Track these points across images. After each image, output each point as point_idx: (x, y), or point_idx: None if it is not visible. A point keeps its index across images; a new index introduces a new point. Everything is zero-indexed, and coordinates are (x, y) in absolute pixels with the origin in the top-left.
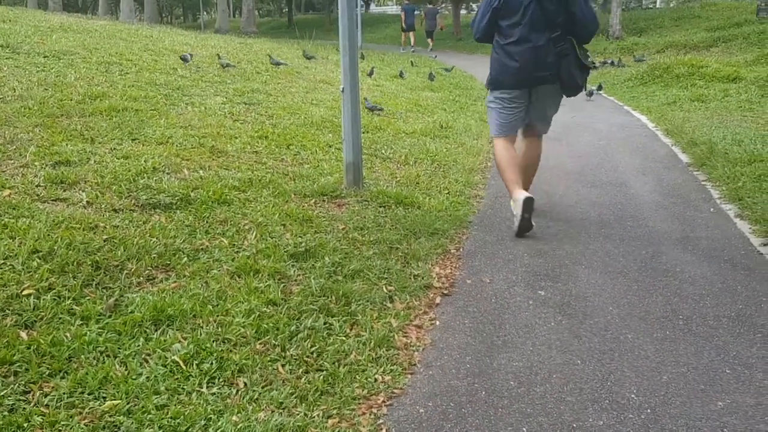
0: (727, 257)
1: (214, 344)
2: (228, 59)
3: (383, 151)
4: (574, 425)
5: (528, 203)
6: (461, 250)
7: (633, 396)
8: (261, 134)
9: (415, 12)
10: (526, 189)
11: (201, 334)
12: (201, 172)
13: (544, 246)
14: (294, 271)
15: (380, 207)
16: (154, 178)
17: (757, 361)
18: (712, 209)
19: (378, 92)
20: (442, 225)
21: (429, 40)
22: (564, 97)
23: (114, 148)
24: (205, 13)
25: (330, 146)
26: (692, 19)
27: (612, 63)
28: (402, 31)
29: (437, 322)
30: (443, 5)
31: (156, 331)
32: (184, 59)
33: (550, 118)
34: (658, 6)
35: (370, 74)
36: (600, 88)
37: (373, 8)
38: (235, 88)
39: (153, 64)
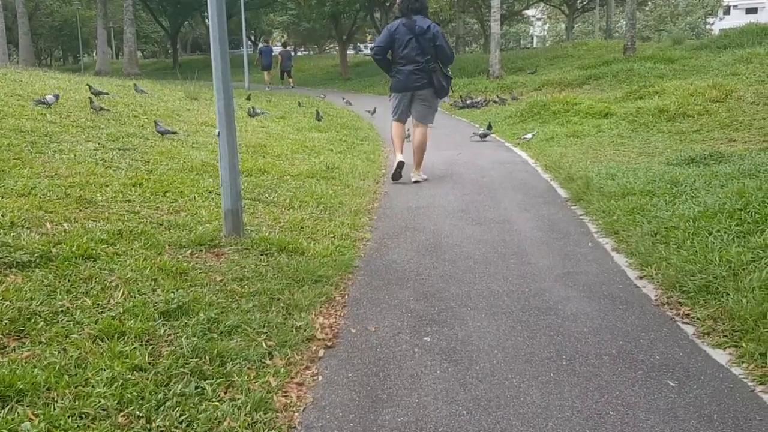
0: (606, 292)
1: (70, 420)
2: (101, 103)
3: (267, 195)
4: None
5: (400, 163)
6: (346, 296)
7: None
8: (135, 181)
9: (272, 54)
10: (418, 167)
11: (55, 409)
12: (66, 225)
13: (429, 288)
14: (164, 330)
15: (262, 255)
16: (12, 234)
17: (639, 400)
18: (590, 244)
19: (263, 134)
20: (326, 271)
21: (290, 79)
22: (438, 100)
23: None
24: (86, 54)
25: (210, 192)
26: (566, 58)
27: (497, 101)
28: (262, 71)
29: (320, 378)
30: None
31: (3, 408)
32: (43, 103)
33: (428, 114)
34: (534, 46)
35: (253, 114)
36: (489, 127)
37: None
38: (109, 133)
39: (19, 110)
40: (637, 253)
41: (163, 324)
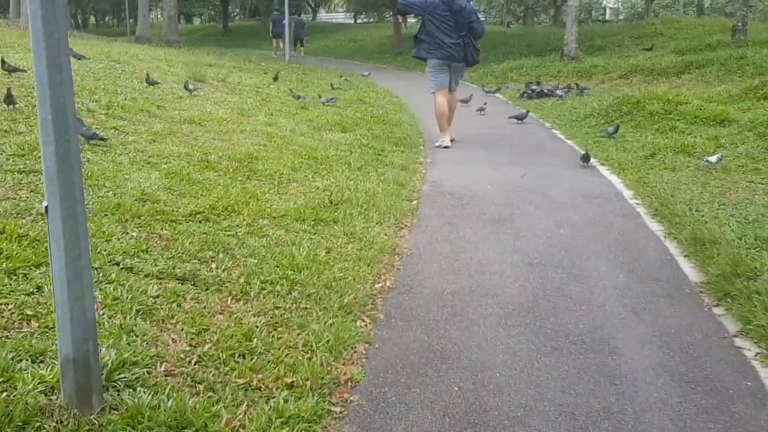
0: None
1: None
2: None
3: (213, 267)
4: None
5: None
6: None
7: None
8: None
9: (283, 22)
10: (449, 123)
11: None
12: None
13: None
14: None
15: None
16: None
17: None
18: None
19: (264, 135)
20: None
21: (301, 48)
22: (467, 69)
23: None
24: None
25: (117, 263)
26: (654, 38)
27: (577, 88)
28: (272, 38)
29: None
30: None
31: None
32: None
33: (460, 82)
34: (607, 18)
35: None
36: (586, 158)
37: (323, 14)
38: (22, 143)
39: None
40: None
41: None
